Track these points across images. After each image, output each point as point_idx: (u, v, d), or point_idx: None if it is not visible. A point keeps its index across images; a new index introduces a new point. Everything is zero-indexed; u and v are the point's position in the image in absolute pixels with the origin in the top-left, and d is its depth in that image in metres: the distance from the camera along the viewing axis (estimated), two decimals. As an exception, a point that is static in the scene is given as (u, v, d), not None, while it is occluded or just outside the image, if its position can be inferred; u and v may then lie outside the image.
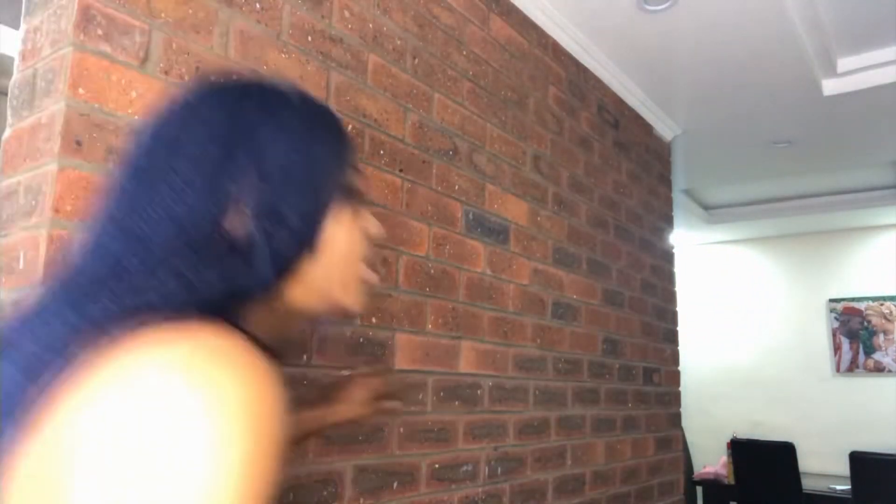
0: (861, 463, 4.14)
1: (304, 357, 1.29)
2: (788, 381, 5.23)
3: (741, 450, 4.43)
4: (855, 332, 5.10)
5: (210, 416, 0.39)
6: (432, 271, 1.64)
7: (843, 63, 2.65)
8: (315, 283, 0.56)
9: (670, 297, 3.00)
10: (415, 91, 1.65)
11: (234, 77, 0.60)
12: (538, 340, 2.01)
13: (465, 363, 1.71)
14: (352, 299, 0.60)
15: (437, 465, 1.59)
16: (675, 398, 2.93)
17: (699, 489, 4.79)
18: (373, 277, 0.64)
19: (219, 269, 0.49)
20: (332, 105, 1.42)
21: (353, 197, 0.59)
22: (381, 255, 1.49)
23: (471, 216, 1.79)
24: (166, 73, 1.11)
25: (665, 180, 3.09)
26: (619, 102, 2.69)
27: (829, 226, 5.11)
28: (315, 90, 1.38)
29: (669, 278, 3.01)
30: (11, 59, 1.15)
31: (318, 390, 1.27)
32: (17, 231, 1.00)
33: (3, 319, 0.48)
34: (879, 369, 4.99)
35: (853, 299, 5.13)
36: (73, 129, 0.98)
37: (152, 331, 0.43)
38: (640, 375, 2.62)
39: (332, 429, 1.16)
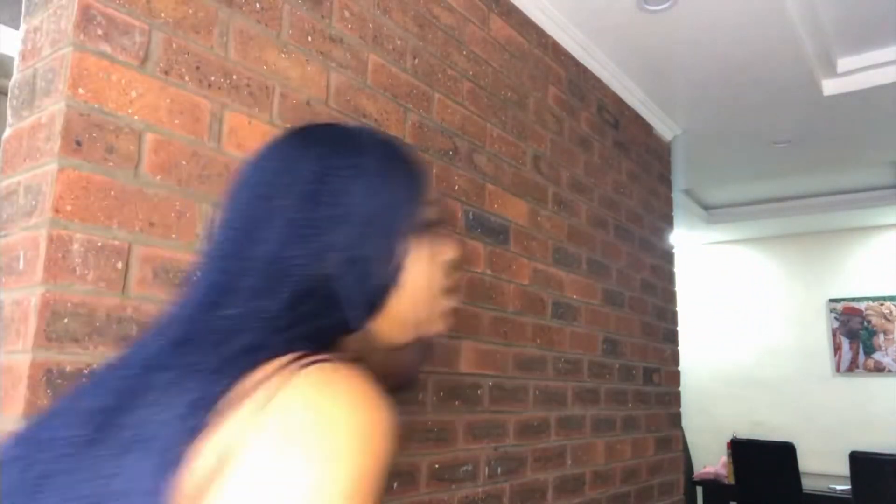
0: (861, 463, 4.13)
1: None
2: (788, 381, 5.23)
3: (741, 450, 4.42)
4: (855, 332, 5.10)
5: (363, 440, 0.44)
6: (432, 271, 1.64)
7: (843, 63, 2.65)
8: (400, 316, 0.60)
9: (670, 297, 3.00)
10: (415, 91, 1.65)
11: (321, 125, 0.67)
12: (538, 340, 2.01)
13: (466, 363, 1.71)
14: (435, 326, 0.64)
15: (436, 465, 1.59)
16: (675, 398, 2.93)
17: (699, 489, 4.79)
18: (453, 302, 0.67)
19: (322, 311, 0.55)
20: (332, 105, 1.42)
21: (430, 228, 0.63)
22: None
23: (471, 216, 1.79)
24: (166, 73, 1.11)
25: (665, 180, 3.09)
26: (619, 102, 2.69)
27: (829, 226, 5.11)
28: (315, 90, 1.38)
29: (669, 278, 3.01)
30: (11, 59, 1.15)
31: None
32: (17, 231, 1.00)
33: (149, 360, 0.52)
34: (879, 369, 4.99)
35: (853, 299, 5.13)
36: (72, 129, 0.98)
37: (292, 366, 0.47)
38: (640, 375, 2.62)
39: None
